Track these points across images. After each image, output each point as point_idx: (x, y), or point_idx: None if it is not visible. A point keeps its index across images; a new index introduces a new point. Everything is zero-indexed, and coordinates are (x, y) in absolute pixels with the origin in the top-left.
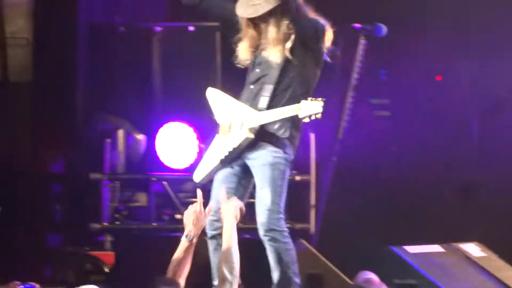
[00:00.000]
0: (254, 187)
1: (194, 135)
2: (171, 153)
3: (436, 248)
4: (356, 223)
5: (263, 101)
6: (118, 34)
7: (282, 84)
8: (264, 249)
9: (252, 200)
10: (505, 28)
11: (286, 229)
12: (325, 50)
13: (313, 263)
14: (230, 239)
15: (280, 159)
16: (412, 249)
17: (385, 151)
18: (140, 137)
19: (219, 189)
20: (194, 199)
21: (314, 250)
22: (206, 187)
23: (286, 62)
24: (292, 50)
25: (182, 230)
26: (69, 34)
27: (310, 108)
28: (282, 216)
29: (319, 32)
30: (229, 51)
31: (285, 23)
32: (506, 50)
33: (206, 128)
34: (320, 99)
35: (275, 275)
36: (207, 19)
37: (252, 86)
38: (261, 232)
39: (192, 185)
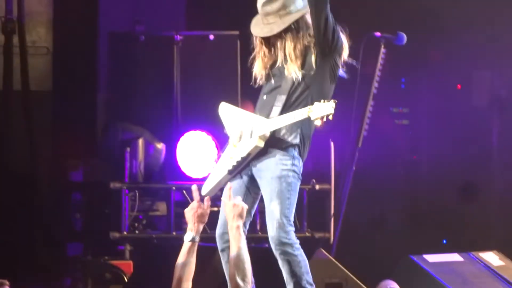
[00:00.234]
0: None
1: (213, 144)
2: (190, 162)
3: (455, 257)
4: (375, 232)
5: (275, 111)
6: (139, 43)
7: (296, 95)
8: None
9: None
10: None
11: (296, 241)
12: (342, 64)
13: (332, 272)
14: (237, 241)
15: (288, 171)
16: (431, 258)
17: (405, 160)
18: (160, 146)
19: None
20: (212, 208)
21: (333, 259)
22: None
23: (302, 73)
24: (309, 61)
25: (202, 239)
26: (89, 43)
27: (322, 109)
28: (292, 228)
29: (335, 37)
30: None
31: (301, 39)
32: None
33: (225, 137)
34: (332, 100)
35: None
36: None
37: (265, 97)
38: (272, 246)
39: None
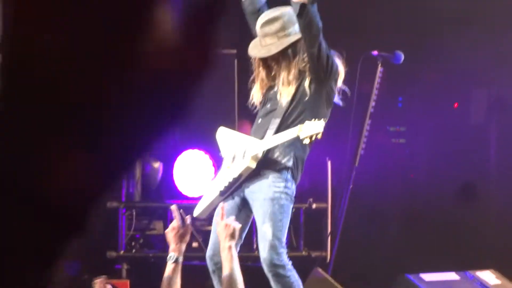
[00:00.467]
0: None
1: (211, 163)
2: (187, 181)
3: (452, 275)
4: (372, 251)
5: (269, 134)
6: None
7: (290, 118)
8: None
9: None
10: None
11: (289, 262)
12: (338, 90)
13: None
14: (229, 261)
15: (280, 193)
16: (428, 277)
17: (402, 179)
18: (157, 165)
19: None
20: (210, 227)
21: (330, 278)
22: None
23: (297, 97)
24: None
25: (198, 258)
26: None
27: (312, 128)
28: (284, 250)
29: (330, 64)
30: (247, 79)
31: (297, 63)
32: None
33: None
34: (322, 119)
35: None
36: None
37: (260, 120)
38: (264, 267)
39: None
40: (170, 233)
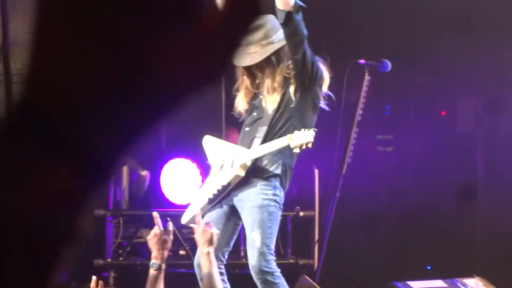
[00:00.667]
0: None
1: (198, 171)
2: (175, 189)
3: (439, 283)
4: (359, 259)
5: (256, 142)
6: None
7: (277, 126)
8: None
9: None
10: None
11: (277, 270)
12: (323, 95)
13: None
14: (208, 267)
15: (269, 201)
16: (415, 284)
17: (389, 187)
18: (144, 173)
19: None
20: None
21: (317, 286)
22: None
23: (283, 104)
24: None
25: (186, 266)
26: None
27: (302, 137)
28: (273, 257)
29: (314, 71)
30: (233, 87)
31: (281, 70)
32: (507, 87)
33: (210, 165)
34: (312, 129)
35: None
36: None
37: (247, 129)
38: (253, 274)
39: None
40: (152, 240)
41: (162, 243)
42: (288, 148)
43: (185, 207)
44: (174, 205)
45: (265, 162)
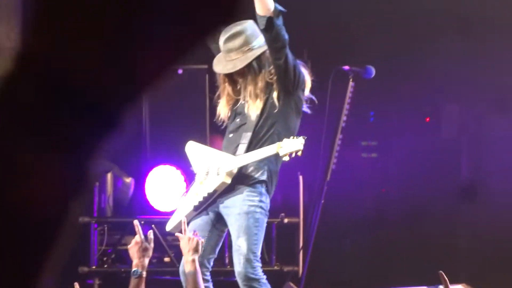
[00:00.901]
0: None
1: (182, 178)
2: (159, 196)
3: None
4: (344, 265)
5: (241, 148)
6: None
7: (261, 131)
8: None
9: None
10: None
11: (263, 276)
12: (305, 99)
13: None
14: (192, 275)
15: (255, 207)
16: None
17: (373, 193)
18: (129, 180)
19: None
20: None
21: None
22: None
23: (266, 110)
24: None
25: (171, 273)
26: None
27: (291, 145)
28: (259, 264)
29: (297, 75)
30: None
31: (263, 76)
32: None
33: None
34: (301, 137)
35: None
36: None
37: (231, 135)
38: (239, 281)
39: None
40: (133, 248)
41: (143, 251)
42: (274, 155)
43: (169, 214)
44: (158, 212)
45: (250, 168)
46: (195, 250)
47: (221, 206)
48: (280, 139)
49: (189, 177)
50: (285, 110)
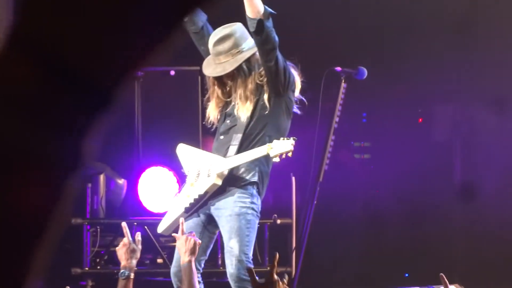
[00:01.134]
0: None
1: (175, 180)
2: (152, 197)
3: None
4: (337, 266)
5: (232, 150)
6: None
7: (252, 133)
8: None
9: None
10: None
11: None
12: (295, 100)
13: None
14: (188, 276)
15: (247, 209)
16: None
17: (366, 194)
18: (121, 181)
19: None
20: (174, 243)
21: None
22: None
23: (257, 111)
24: (263, 100)
25: (164, 274)
26: None
27: (282, 146)
28: (251, 265)
29: (287, 77)
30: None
31: (253, 78)
32: (485, 94)
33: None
34: (292, 138)
35: None
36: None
37: (222, 137)
38: (231, 283)
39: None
40: (121, 250)
41: (130, 252)
42: (265, 156)
43: (162, 215)
44: (151, 214)
45: (241, 170)
46: (192, 251)
47: (212, 207)
48: (271, 141)
49: (182, 178)
50: (275, 112)
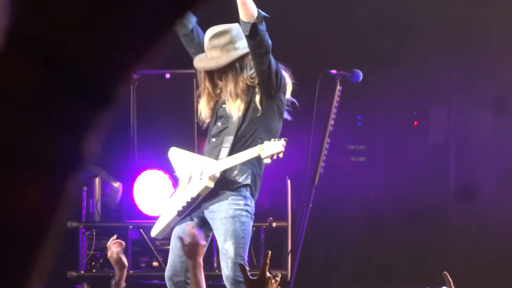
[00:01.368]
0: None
1: (170, 183)
2: (147, 200)
3: None
4: (332, 269)
5: (224, 152)
6: None
7: (244, 135)
8: None
9: None
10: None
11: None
12: (286, 103)
13: None
14: (196, 280)
15: (241, 211)
16: None
17: (361, 197)
18: (117, 185)
19: (176, 242)
20: (169, 247)
21: None
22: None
23: (249, 113)
24: (255, 102)
25: (159, 277)
26: None
27: (273, 147)
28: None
29: (279, 79)
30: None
31: (244, 77)
32: (481, 95)
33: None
34: (282, 139)
35: None
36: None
37: (213, 139)
38: (227, 285)
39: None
40: (110, 259)
41: (116, 262)
42: (257, 158)
43: (157, 218)
44: (147, 217)
45: (234, 172)
46: (200, 254)
47: (206, 211)
48: (262, 142)
49: (177, 181)
50: (267, 114)
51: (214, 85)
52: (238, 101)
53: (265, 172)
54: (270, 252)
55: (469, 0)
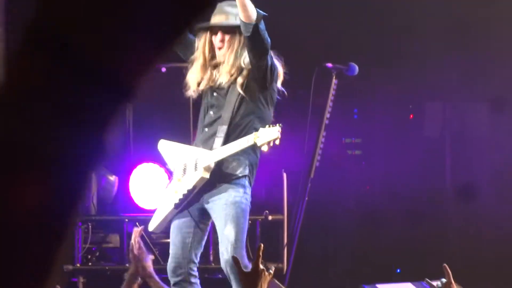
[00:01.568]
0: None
1: (166, 176)
2: (143, 193)
3: (407, 286)
4: (328, 262)
5: (218, 142)
6: None
7: (237, 123)
8: None
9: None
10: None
11: (249, 265)
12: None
13: None
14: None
15: (241, 198)
16: (384, 287)
17: (357, 190)
18: (113, 178)
19: (176, 235)
20: (167, 240)
21: None
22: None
23: (240, 101)
24: (246, 88)
25: (155, 270)
26: None
27: (268, 134)
28: (245, 254)
29: (273, 72)
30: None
31: (241, 55)
32: (476, 89)
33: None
34: (277, 124)
35: None
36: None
37: (206, 129)
38: (227, 269)
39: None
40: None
41: (134, 257)
42: (252, 146)
43: (154, 211)
44: (143, 210)
45: (232, 164)
46: (133, 257)
47: (205, 201)
48: (257, 130)
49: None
50: (260, 103)
51: (212, 56)
52: (232, 73)
53: (261, 165)
54: (262, 245)
55: (469, 0)
